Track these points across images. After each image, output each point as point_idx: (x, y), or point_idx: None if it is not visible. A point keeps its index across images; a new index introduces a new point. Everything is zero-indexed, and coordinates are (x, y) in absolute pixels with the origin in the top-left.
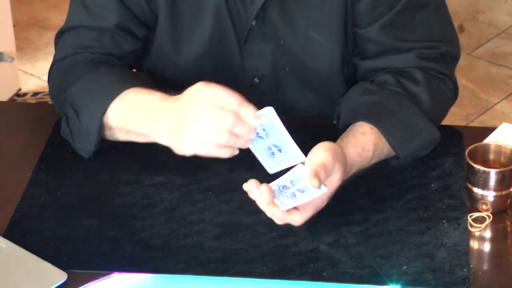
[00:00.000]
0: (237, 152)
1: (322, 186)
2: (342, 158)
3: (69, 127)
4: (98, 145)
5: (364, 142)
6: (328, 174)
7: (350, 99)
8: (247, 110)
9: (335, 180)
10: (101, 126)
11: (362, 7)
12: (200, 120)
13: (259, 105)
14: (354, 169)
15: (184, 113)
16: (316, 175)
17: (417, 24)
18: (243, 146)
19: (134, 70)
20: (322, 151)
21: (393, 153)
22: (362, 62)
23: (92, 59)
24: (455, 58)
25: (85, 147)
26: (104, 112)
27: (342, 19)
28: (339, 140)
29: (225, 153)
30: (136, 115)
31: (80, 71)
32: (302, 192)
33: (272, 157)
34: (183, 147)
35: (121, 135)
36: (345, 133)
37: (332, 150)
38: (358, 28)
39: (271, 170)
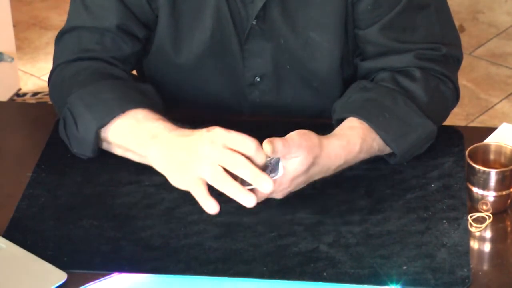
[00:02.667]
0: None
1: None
2: (311, 144)
3: (66, 133)
4: (95, 153)
5: (350, 136)
6: (287, 148)
7: (346, 96)
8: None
9: (296, 164)
10: (98, 139)
11: (362, 8)
12: (207, 164)
13: (260, 105)
14: (339, 162)
15: (194, 152)
16: (271, 141)
17: (417, 25)
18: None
19: (135, 71)
20: (293, 133)
21: (387, 150)
22: (362, 62)
23: (96, 69)
24: (457, 60)
25: (83, 152)
26: (102, 126)
27: (343, 20)
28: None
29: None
30: (139, 138)
31: (83, 80)
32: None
33: None
34: (181, 184)
35: (119, 151)
36: (335, 128)
37: (303, 133)
38: (358, 29)
39: None
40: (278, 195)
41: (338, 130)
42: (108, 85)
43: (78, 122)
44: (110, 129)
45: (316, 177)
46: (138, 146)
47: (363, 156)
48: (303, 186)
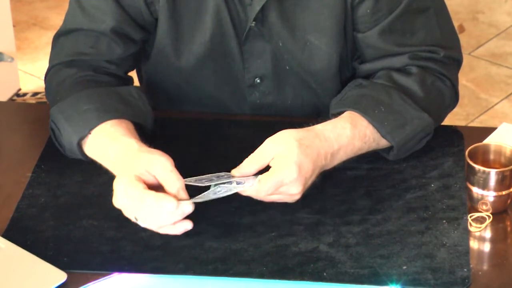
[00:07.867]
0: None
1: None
2: (281, 139)
3: (57, 141)
4: (88, 159)
5: (337, 121)
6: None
7: (342, 93)
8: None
9: (284, 157)
10: (81, 150)
11: (362, 12)
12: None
13: (259, 107)
14: (332, 146)
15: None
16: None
17: (416, 29)
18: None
19: (134, 71)
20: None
21: (383, 142)
22: (361, 65)
23: (79, 77)
24: (457, 63)
25: (76, 157)
26: (82, 138)
27: (342, 24)
28: None
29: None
30: (106, 156)
31: (65, 90)
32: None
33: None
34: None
35: (98, 162)
36: None
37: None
38: (357, 32)
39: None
40: (296, 197)
41: (326, 121)
42: (87, 94)
43: (62, 134)
44: (86, 142)
45: (320, 163)
46: (107, 164)
47: (359, 144)
48: (314, 178)
